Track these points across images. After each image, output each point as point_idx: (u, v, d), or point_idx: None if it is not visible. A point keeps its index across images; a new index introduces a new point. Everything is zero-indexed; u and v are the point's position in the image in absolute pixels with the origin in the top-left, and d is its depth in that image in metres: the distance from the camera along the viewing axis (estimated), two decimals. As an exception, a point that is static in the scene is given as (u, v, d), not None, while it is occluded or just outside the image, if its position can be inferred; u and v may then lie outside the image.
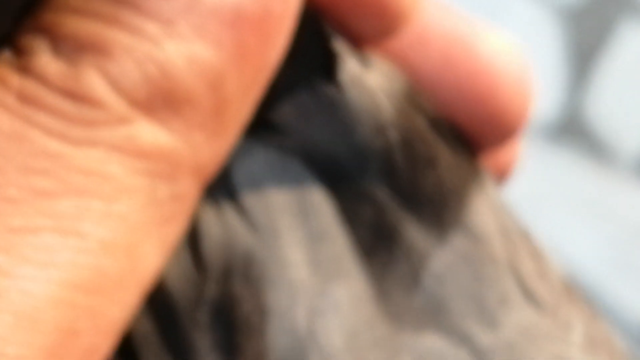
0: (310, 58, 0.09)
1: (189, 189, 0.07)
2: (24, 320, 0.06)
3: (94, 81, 0.07)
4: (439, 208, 0.10)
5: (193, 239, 0.08)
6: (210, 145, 0.07)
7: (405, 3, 0.09)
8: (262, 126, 0.09)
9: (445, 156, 0.10)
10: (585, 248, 0.71)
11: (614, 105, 0.74)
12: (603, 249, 0.71)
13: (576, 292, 0.11)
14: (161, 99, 0.07)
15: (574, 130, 0.75)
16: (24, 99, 0.07)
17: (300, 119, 0.09)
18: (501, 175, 0.12)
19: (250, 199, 0.08)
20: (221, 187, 0.08)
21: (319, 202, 0.09)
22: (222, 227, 0.08)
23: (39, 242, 0.06)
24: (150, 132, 0.07)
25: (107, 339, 0.07)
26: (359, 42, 0.09)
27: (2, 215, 0.06)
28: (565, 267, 0.69)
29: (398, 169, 0.09)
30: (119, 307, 0.07)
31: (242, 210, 0.08)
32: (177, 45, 0.07)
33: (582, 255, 0.71)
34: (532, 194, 0.73)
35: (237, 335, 0.08)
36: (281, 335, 0.08)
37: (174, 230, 0.07)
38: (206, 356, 0.08)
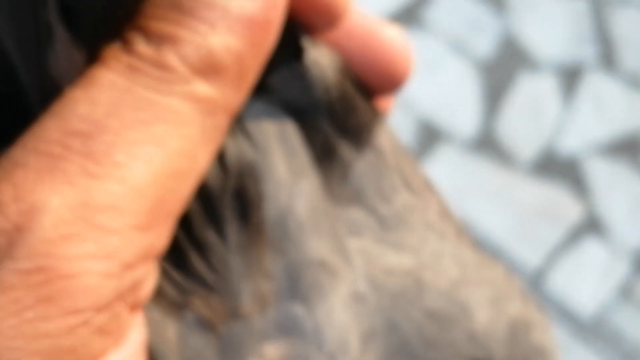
0: (288, 48, 0.14)
1: (223, 122, 0.11)
2: (135, 192, 0.10)
3: (171, 58, 0.11)
4: (359, 135, 0.15)
5: (221, 152, 0.13)
6: (235, 96, 0.11)
7: (340, 9, 0.14)
8: (260, 87, 0.13)
9: (361, 103, 0.15)
10: (495, 224, 0.99)
11: (515, 126, 1.04)
12: (507, 224, 0.99)
13: (432, 186, 0.16)
14: (209, 68, 0.11)
15: (488, 143, 1.04)
16: (131, 68, 0.11)
17: (282, 84, 0.14)
18: (384, 114, 0.19)
19: (253, 128, 0.13)
20: (236, 121, 0.13)
21: (292, 131, 0.14)
22: (236, 145, 0.13)
23: (144, 150, 0.10)
24: (202, 87, 0.11)
25: (179, 208, 0.11)
26: (312, 33, 0.14)
27: (120, 133, 0.10)
28: (480, 237, 0.95)
29: (336, 112, 0.14)
30: (186, 188, 0.11)
31: (248, 135, 0.13)
32: (217, 38, 0.11)
33: (493, 229, 0.99)
34: (458, 186, 1.01)
35: (247, 209, 0.13)
36: (272, 209, 0.13)
37: (214, 146, 0.12)
38: (230, 222, 0.13)
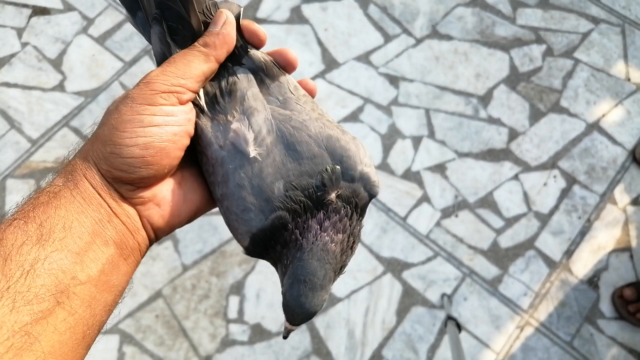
0: (243, 49, 0.40)
1: (214, 63, 0.38)
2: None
3: (199, 42, 0.38)
4: (273, 77, 0.40)
5: (223, 78, 0.40)
6: (217, 54, 0.38)
7: (262, 37, 0.41)
8: (237, 62, 0.40)
9: (275, 67, 0.40)
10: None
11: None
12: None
13: (313, 101, 0.42)
14: (207, 44, 0.38)
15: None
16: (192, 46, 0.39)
17: (244, 60, 0.40)
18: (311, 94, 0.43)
19: (238, 74, 0.39)
20: (230, 72, 0.40)
21: (250, 76, 0.39)
22: (229, 77, 0.39)
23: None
24: (206, 49, 0.38)
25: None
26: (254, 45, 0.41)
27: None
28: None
29: (265, 69, 0.40)
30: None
31: (235, 75, 0.39)
32: (218, 50, 0.38)
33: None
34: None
35: (231, 92, 0.39)
36: (242, 91, 0.39)
37: (212, 70, 0.38)
38: (224, 95, 0.40)
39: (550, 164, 1.58)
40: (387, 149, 1.59)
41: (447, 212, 1.52)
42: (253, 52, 0.40)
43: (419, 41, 1.73)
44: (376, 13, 1.77)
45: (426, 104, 1.64)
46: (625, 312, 1.40)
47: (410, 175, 1.55)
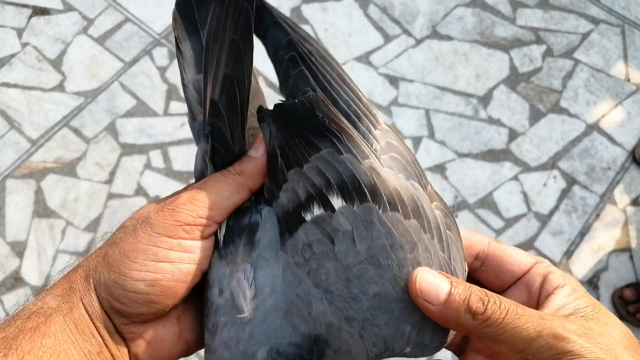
0: (273, 184, 0.34)
1: (246, 192, 0.35)
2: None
3: (234, 168, 0.34)
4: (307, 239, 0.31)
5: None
6: (251, 184, 0.34)
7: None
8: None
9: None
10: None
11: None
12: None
13: None
14: (252, 179, 0.33)
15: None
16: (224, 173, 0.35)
17: (271, 200, 0.34)
18: None
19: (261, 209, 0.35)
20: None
21: (275, 222, 0.33)
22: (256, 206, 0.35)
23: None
24: (240, 178, 0.34)
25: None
26: None
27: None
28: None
29: (293, 233, 0.32)
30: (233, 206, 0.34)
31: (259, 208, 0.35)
32: (253, 180, 0.34)
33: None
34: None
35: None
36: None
37: (241, 199, 0.34)
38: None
39: (550, 165, 1.58)
40: (387, 149, 1.58)
41: (447, 213, 1.51)
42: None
43: (418, 41, 1.73)
44: (376, 13, 1.77)
45: (426, 105, 1.64)
46: (625, 312, 1.40)
47: (410, 176, 1.54)
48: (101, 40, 1.70)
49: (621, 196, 1.55)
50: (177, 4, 0.38)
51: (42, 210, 1.49)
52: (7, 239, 1.45)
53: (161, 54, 1.68)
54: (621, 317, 1.41)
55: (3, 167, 1.53)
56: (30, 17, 1.74)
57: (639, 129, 1.63)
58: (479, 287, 0.28)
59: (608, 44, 1.74)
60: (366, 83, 1.66)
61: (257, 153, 0.34)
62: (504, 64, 1.70)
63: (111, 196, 1.51)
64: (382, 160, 0.33)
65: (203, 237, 0.32)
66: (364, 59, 1.70)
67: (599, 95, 1.67)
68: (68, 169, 1.53)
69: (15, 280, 1.41)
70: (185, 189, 0.34)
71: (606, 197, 1.54)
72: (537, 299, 0.32)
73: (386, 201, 0.31)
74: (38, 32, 1.71)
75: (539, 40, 1.74)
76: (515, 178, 1.56)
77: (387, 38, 1.73)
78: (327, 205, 0.31)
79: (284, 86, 0.35)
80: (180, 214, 0.31)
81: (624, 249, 1.49)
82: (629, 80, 1.69)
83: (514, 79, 1.68)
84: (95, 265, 0.31)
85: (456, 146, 1.59)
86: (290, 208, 0.32)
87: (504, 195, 1.54)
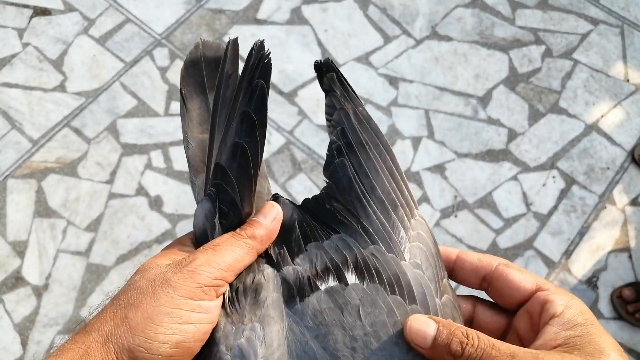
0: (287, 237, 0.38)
1: (254, 254, 0.36)
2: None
3: (245, 233, 0.36)
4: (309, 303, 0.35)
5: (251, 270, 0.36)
6: (259, 248, 0.36)
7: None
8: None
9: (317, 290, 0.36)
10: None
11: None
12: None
13: None
14: (262, 243, 0.36)
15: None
16: (234, 234, 0.36)
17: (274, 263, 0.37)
18: None
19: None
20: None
21: (278, 282, 0.36)
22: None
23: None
24: (251, 242, 0.36)
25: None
26: None
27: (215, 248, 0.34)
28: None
29: (298, 295, 0.35)
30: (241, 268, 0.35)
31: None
32: (262, 245, 0.36)
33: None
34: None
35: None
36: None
37: (250, 261, 0.36)
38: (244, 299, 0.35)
39: (549, 165, 1.58)
40: (386, 149, 1.59)
41: (446, 213, 1.52)
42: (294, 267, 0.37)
43: (418, 42, 1.74)
44: (376, 14, 1.78)
45: (426, 105, 1.65)
46: (624, 312, 1.40)
47: (410, 176, 1.55)
48: (102, 40, 1.71)
49: (620, 196, 1.55)
50: (185, 63, 0.41)
51: (43, 210, 1.49)
52: (8, 239, 1.46)
53: (162, 55, 1.69)
54: (620, 317, 1.42)
55: (4, 167, 1.54)
56: (31, 17, 1.74)
57: (638, 129, 1.63)
58: (464, 329, 0.32)
59: (607, 44, 1.75)
60: (366, 83, 1.66)
61: (266, 220, 0.36)
62: (504, 65, 1.71)
63: (112, 196, 1.51)
64: (408, 247, 0.36)
65: (217, 297, 0.34)
66: (364, 59, 1.70)
67: (598, 95, 1.68)
68: (69, 168, 1.54)
69: (16, 279, 1.41)
70: (199, 250, 0.35)
71: (605, 197, 1.55)
72: (537, 327, 0.34)
73: (387, 283, 0.35)
74: (39, 33, 1.72)
75: (538, 41, 1.75)
76: (515, 178, 1.56)
77: (387, 39, 1.74)
78: (342, 279, 0.35)
79: (326, 171, 0.38)
80: (200, 276, 0.33)
81: (623, 249, 1.50)
82: (628, 80, 1.70)
83: (513, 80, 1.69)
84: (113, 328, 0.31)
85: (456, 146, 1.59)
86: (305, 276, 0.36)
87: (504, 195, 1.55)
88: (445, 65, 1.70)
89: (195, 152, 0.41)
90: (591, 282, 1.46)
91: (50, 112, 1.61)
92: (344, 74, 0.40)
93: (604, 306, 1.44)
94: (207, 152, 0.38)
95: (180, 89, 0.42)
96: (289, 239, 0.37)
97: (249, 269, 0.36)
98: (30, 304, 1.39)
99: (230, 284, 0.35)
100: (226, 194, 0.36)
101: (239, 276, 0.35)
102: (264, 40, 0.37)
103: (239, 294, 0.35)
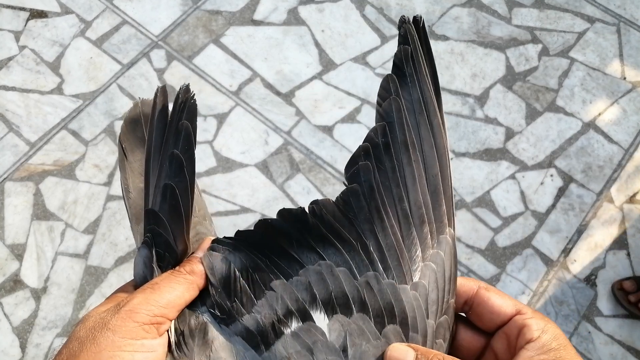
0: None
1: (196, 289, 0.35)
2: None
3: (184, 269, 0.35)
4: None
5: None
6: (199, 281, 0.35)
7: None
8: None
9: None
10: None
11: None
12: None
13: None
14: (202, 278, 0.35)
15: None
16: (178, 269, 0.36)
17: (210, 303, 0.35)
18: None
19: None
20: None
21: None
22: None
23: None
24: (190, 277, 0.35)
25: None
26: None
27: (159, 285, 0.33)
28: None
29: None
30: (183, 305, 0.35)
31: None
32: (203, 280, 0.35)
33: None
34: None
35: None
36: None
37: (194, 294, 0.35)
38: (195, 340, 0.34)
39: (547, 163, 1.59)
40: (384, 149, 1.59)
41: (444, 212, 1.52)
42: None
43: (415, 42, 1.74)
44: (372, 14, 1.78)
45: (423, 104, 1.64)
46: (626, 302, 1.40)
47: (408, 175, 1.55)
48: (99, 42, 1.71)
49: (618, 194, 1.56)
50: (125, 120, 0.44)
51: (41, 212, 1.49)
52: (7, 242, 1.45)
53: (159, 56, 1.69)
54: (623, 308, 1.41)
55: (2, 169, 1.53)
56: (28, 20, 1.74)
57: (635, 127, 1.64)
58: (442, 356, 0.33)
59: (604, 42, 1.75)
60: (363, 83, 1.67)
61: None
62: (500, 64, 1.71)
63: (110, 198, 1.51)
64: (421, 266, 0.35)
65: (159, 334, 0.33)
66: (361, 59, 1.70)
67: (595, 93, 1.68)
68: (67, 171, 1.54)
69: (15, 282, 1.41)
70: (137, 290, 0.35)
71: (603, 195, 1.55)
72: (514, 349, 0.35)
73: (375, 314, 0.34)
74: (36, 35, 1.72)
75: (534, 40, 1.75)
76: (513, 177, 1.57)
77: (384, 38, 1.74)
78: (307, 319, 0.33)
79: (347, 170, 0.36)
80: (139, 315, 0.32)
81: (621, 247, 1.50)
82: (624, 78, 1.70)
83: (510, 78, 1.69)
84: None
85: (453, 145, 1.59)
86: (268, 323, 0.34)
87: (501, 194, 1.55)
88: (442, 65, 1.70)
89: (136, 201, 0.42)
90: (590, 279, 1.46)
91: (47, 115, 1.60)
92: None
93: (603, 304, 1.44)
94: (144, 199, 0.39)
95: (120, 143, 0.43)
96: (235, 290, 0.35)
97: (192, 311, 0.35)
98: (29, 307, 1.39)
99: (175, 329, 0.34)
100: (160, 236, 0.36)
101: (182, 319, 0.35)
102: (189, 84, 0.38)
103: (186, 337, 0.34)
